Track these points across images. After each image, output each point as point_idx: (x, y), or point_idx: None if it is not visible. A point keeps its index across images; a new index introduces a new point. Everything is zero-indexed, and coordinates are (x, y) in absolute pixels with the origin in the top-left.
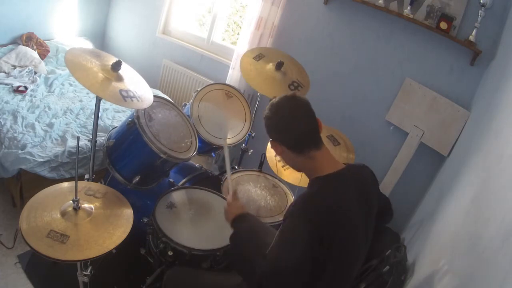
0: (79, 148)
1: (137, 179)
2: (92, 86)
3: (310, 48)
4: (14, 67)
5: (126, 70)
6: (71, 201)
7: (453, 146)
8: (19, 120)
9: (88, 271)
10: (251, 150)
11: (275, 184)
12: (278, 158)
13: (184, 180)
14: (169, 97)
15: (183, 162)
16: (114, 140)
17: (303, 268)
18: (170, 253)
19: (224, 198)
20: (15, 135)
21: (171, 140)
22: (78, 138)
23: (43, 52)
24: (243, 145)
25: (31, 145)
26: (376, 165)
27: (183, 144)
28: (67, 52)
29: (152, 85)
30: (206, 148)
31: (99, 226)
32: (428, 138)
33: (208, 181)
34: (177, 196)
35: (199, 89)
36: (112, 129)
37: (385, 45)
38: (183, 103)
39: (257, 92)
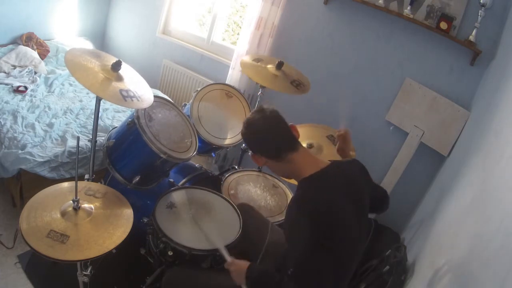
0: (79, 148)
1: (137, 179)
2: (92, 86)
3: (310, 48)
4: (14, 67)
5: (126, 70)
6: (71, 201)
7: (453, 146)
8: (19, 120)
9: (88, 271)
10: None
11: (275, 184)
12: None
13: (184, 180)
14: (169, 97)
15: (183, 162)
16: (114, 140)
17: (327, 267)
18: (170, 253)
19: (224, 198)
20: (15, 135)
21: (171, 140)
22: (78, 138)
23: (43, 52)
24: (243, 145)
25: (31, 145)
26: (376, 165)
27: (183, 144)
28: (67, 53)
29: (152, 85)
30: (206, 148)
31: (99, 226)
32: (428, 138)
33: (208, 181)
34: (177, 196)
35: (199, 89)
36: (112, 129)
37: (385, 45)
38: (183, 103)
39: (257, 92)
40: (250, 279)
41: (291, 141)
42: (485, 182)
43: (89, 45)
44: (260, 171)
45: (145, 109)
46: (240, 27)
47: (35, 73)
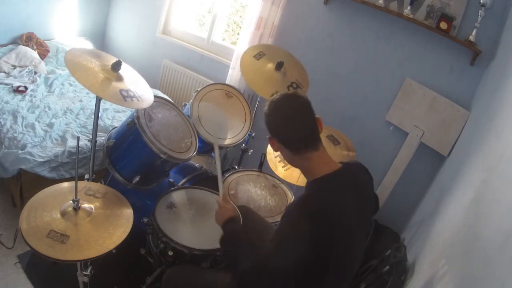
0: (79, 148)
1: (137, 179)
2: (92, 86)
3: (310, 48)
4: (14, 67)
5: (126, 70)
6: (71, 201)
7: (453, 146)
8: (19, 120)
9: (88, 271)
10: (251, 150)
11: (275, 184)
12: (278, 158)
13: (184, 180)
14: (169, 97)
15: (183, 162)
16: (114, 140)
17: (291, 272)
18: (170, 253)
19: None
20: (15, 135)
21: (171, 140)
22: (78, 138)
23: (43, 52)
24: (243, 145)
25: (31, 145)
26: (376, 165)
27: (183, 144)
28: (67, 53)
29: (152, 85)
30: (206, 148)
31: (99, 226)
32: (428, 138)
33: (208, 181)
34: (177, 196)
35: (199, 89)
36: (112, 129)
37: (385, 45)
38: (183, 103)
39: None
40: (224, 228)
41: (314, 139)
42: (485, 182)
43: (89, 45)
44: (260, 171)
45: (145, 109)
46: (240, 27)
47: (35, 73)
